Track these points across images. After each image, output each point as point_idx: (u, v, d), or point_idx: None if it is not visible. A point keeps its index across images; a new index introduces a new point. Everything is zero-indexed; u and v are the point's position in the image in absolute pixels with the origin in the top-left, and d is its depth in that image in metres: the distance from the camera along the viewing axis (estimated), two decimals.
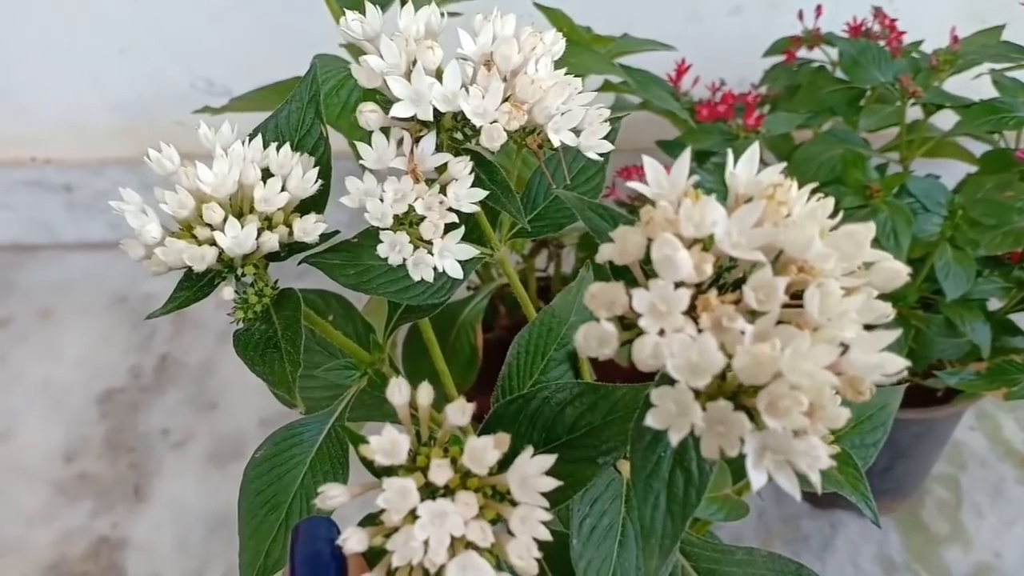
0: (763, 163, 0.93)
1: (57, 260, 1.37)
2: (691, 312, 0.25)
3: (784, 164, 0.28)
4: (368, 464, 0.30)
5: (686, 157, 0.27)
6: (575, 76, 0.42)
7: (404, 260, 0.41)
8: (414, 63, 0.39)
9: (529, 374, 0.49)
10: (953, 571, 0.95)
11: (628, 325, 0.27)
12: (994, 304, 0.85)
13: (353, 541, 0.28)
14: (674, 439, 0.25)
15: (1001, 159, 0.84)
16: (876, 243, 0.86)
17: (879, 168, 0.88)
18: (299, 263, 0.44)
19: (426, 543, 0.28)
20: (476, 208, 0.42)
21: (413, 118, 0.39)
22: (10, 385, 1.18)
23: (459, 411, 0.30)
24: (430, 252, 0.41)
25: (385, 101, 0.40)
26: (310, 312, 0.49)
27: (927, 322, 0.83)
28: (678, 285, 0.25)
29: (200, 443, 1.09)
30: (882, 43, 0.88)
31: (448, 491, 0.29)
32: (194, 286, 0.41)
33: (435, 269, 0.41)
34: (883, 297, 0.26)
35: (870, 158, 0.85)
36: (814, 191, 0.27)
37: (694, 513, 0.30)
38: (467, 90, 0.39)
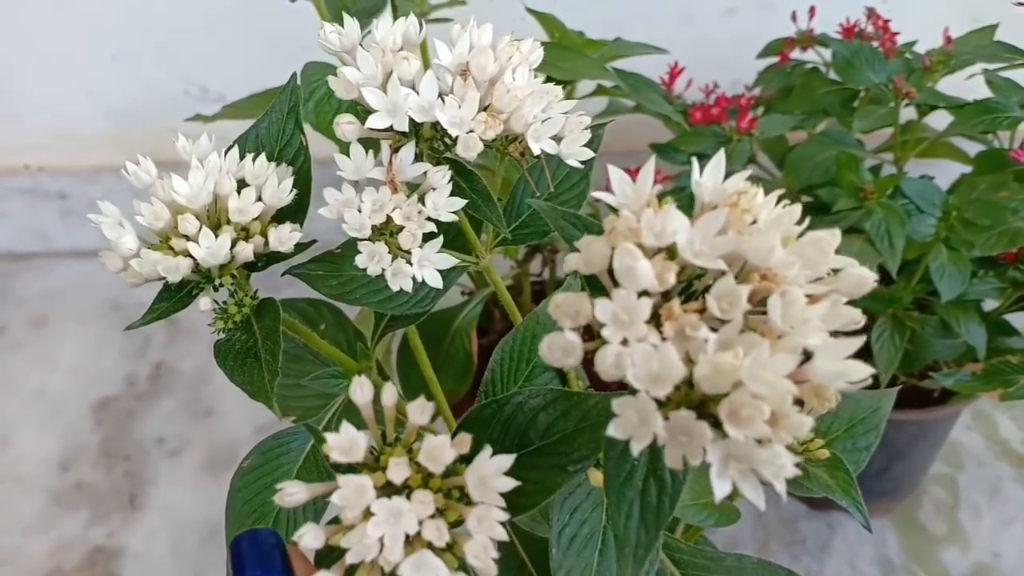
0: (758, 165, 0.91)
1: (51, 268, 1.37)
2: (656, 321, 0.25)
3: (749, 171, 0.27)
4: (334, 464, 0.30)
5: (650, 166, 0.27)
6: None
7: (383, 270, 0.41)
8: (391, 73, 0.39)
9: (513, 380, 0.49)
10: (951, 571, 0.94)
11: (598, 334, 0.26)
12: (989, 305, 0.85)
13: (309, 537, 0.28)
14: (635, 449, 0.24)
15: (995, 159, 0.84)
16: (870, 244, 0.84)
17: (873, 169, 0.87)
18: (282, 275, 0.44)
19: (382, 541, 0.27)
20: (455, 217, 0.42)
21: (390, 128, 0.39)
22: (5, 394, 1.17)
23: (419, 410, 0.30)
24: (409, 262, 0.41)
25: (366, 112, 0.40)
26: (294, 322, 0.49)
27: (922, 323, 0.83)
28: (641, 294, 0.25)
29: (195, 451, 1.09)
30: (875, 44, 0.88)
31: (410, 491, 0.29)
32: (173, 297, 0.41)
33: (414, 279, 0.41)
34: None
35: (864, 159, 0.85)
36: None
37: (668, 520, 0.30)
38: (443, 100, 0.39)
